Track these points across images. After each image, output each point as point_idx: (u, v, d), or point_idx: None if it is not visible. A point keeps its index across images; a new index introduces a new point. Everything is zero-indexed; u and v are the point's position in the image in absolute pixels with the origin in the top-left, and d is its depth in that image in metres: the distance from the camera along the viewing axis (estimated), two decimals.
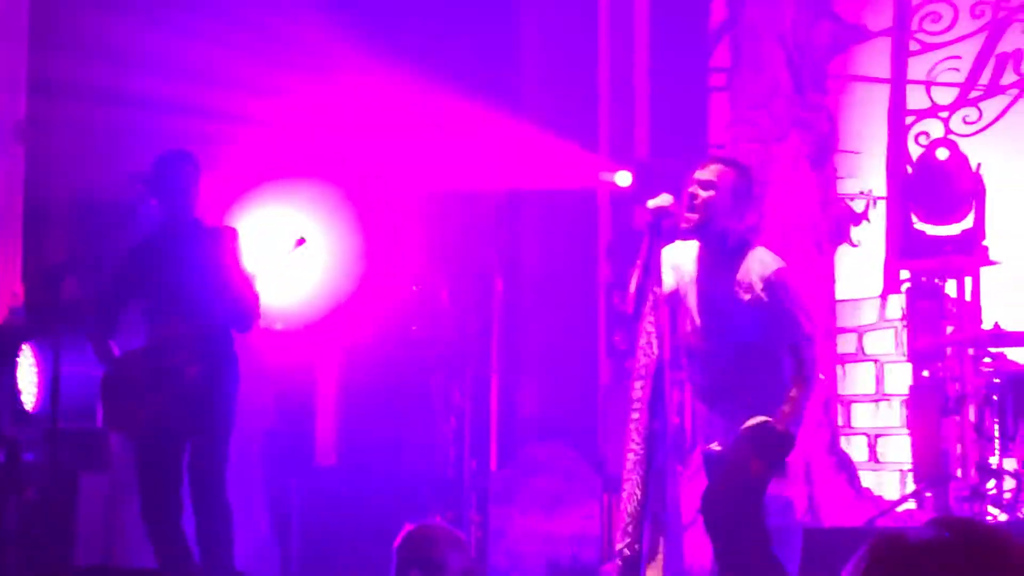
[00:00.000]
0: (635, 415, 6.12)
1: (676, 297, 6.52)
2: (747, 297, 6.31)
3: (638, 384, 6.16)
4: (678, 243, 6.54)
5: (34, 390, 8.37)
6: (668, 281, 6.44)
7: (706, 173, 6.45)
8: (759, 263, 6.36)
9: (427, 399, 10.43)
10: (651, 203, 6.33)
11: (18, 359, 8.29)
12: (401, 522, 9.40)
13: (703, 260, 6.47)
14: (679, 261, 6.52)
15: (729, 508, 6.22)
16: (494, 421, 10.63)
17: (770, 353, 6.31)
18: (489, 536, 9.80)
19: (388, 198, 10.33)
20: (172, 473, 7.22)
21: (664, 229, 6.31)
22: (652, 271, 6.21)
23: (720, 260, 6.41)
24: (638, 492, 6.01)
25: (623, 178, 10.11)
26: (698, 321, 6.47)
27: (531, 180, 10.39)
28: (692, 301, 6.49)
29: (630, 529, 6.00)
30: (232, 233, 7.39)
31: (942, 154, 9.97)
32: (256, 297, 7.27)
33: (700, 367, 6.51)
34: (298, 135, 9.89)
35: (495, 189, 10.63)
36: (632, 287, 6.33)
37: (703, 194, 6.38)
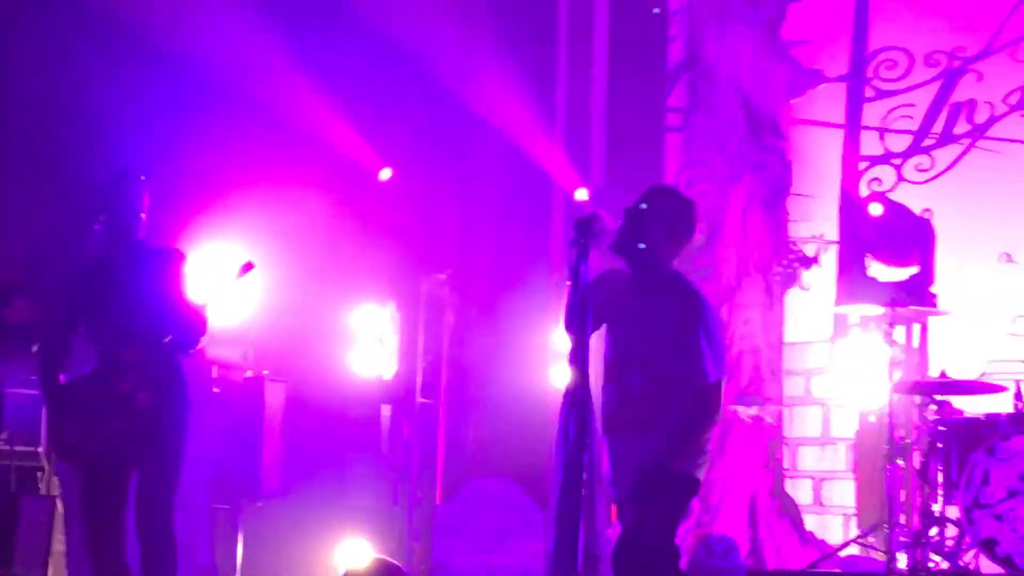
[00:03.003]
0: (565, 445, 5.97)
1: (601, 321, 6.40)
2: (670, 330, 6.22)
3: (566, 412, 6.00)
4: (612, 272, 6.46)
5: None
6: (599, 304, 6.35)
7: (646, 197, 6.43)
8: (686, 298, 6.28)
9: (374, 431, 10.41)
10: (579, 219, 6.17)
11: None
12: (344, 554, 9.41)
13: (632, 287, 6.39)
14: (611, 285, 6.43)
15: (641, 561, 6.13)
16: (440, 454, 10.61)
17: (692, 384, 6.21)
18: (433, 570, 9.77)
19: (342, 224, 10.34)
20: (119, 501, 7.13)
21: (591, 246, 6.10)
22: (581, 291, 5.93)
23: (649, 289, 6.33)
24: (570, 524, 5.90)
25: (580, 193, 10.22)
26: (619, 349, 6.38)
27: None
28: (617, 328, 6.40)
29: (562, 560, 5.92)
30: (178, 255, 7.31)
31: (875, 209, 10.10)
32: (201, 320, 7.20)
33: (613, 397, 6.40)
34: (242, 162, 9.92)
35: (448, 211, 10.70)
36: (564, 310, 6.19)
37: (638, 217, 6.34)
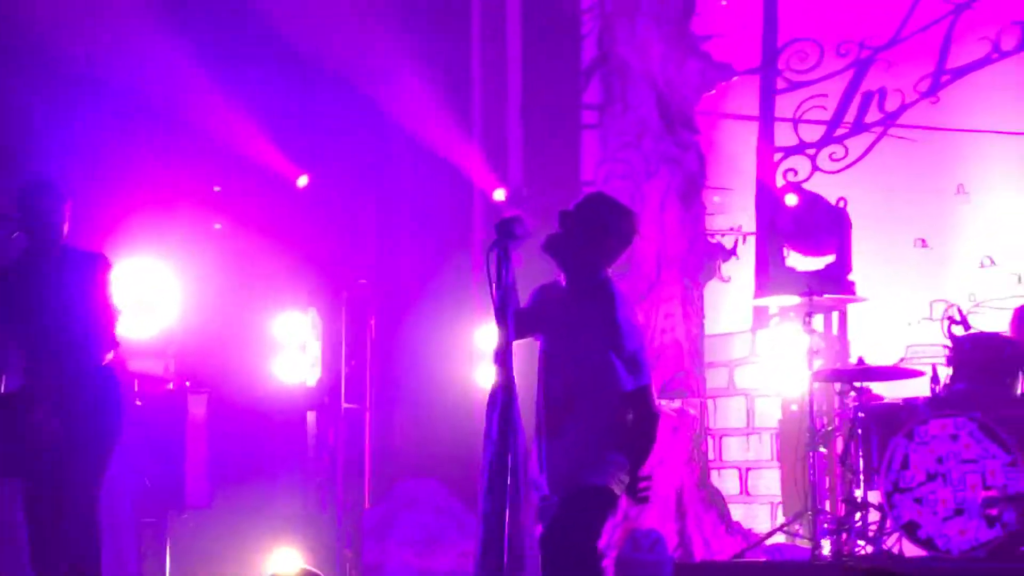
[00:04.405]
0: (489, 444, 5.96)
1: (532, 327, 6.39)
2: (588, 337, 6.23)
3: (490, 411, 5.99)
4: (553, 282, 6.47)
5: None
6: (533, 306, 6.36)
7: (583, 203, 6.42)
8: (613, 305, 6.27)
9: (300, 438, 10.40)
10: (500, 222, 6.15)
11: None
12: (275, 564, 9.39)
13: (564, 293, 6.39)
14: (549, 294, 6.43)
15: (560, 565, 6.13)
16: (368, 458, 10.61)
17: (607, 394, 6.21)
18: (363, 573, 9.78)
19: (262, 233, 10.32)
20: (55, 517, 7.08)
21: (511, 248, 6.00)
22: (503, 292, 5.95)
23: (577, 295, 6.33)
24: (495, 523, 5.89)
25: (498, 194, 10.32)
26: (545, 354, 6.39)
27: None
28: (545, 333, 6.40)
29: (488, 559, 5.91)
30: (103, 261, 7.27)
31: (791, 200, 10.24)
32: (112, 331, 7.16)
33: (539, 400, 6.40)
34: (159, 175, 9.90)
35: (367, 216, 10.71)
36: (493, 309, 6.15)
37: (568, 223, 6.33)
